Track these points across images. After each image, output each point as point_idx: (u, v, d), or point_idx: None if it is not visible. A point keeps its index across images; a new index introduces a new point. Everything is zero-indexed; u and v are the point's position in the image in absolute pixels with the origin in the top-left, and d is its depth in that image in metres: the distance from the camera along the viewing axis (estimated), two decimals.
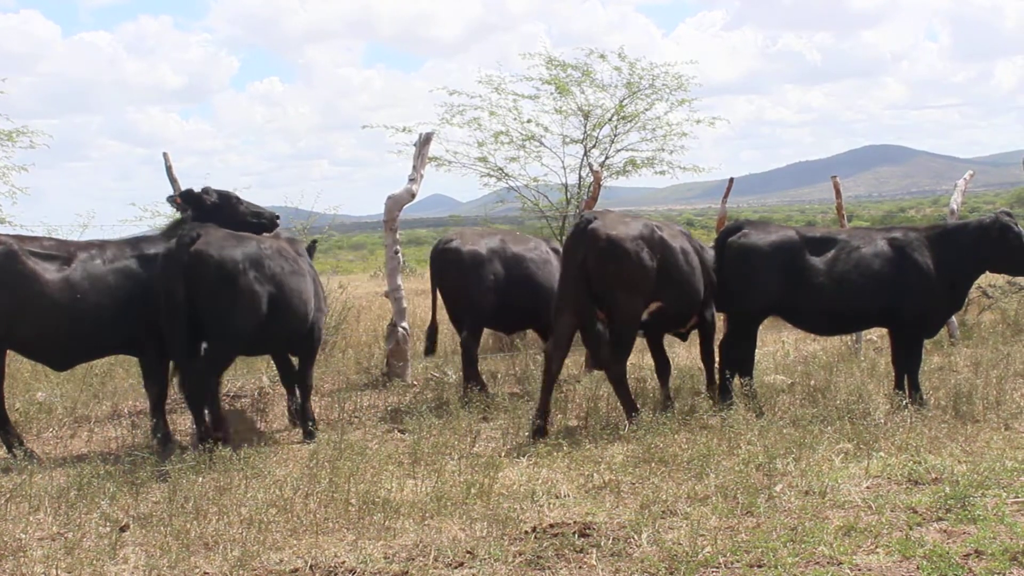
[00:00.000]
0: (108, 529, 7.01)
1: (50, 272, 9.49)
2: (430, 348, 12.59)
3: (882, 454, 8.48)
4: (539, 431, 9.86)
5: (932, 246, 10.94)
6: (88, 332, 9.71)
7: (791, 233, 10.86)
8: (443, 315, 12.37)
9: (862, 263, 10.76)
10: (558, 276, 11.21)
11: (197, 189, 10.75)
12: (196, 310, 9.45)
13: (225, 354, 9.87)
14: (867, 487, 7.66)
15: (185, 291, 9.37)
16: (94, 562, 6.44)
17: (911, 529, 6.68)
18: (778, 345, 14.67)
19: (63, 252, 9.72)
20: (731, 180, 16.94)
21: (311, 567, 6.32)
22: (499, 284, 12.07)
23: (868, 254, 10.80)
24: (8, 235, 9.73)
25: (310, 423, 10.45)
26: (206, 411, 9.70)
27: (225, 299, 9.50)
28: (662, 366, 11.26)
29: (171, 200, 11.11)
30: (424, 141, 13.62)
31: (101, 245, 10.11)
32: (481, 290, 11.97)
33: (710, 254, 11.15)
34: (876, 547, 6.38)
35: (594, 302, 10.16)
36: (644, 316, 10.45)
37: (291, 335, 10.33)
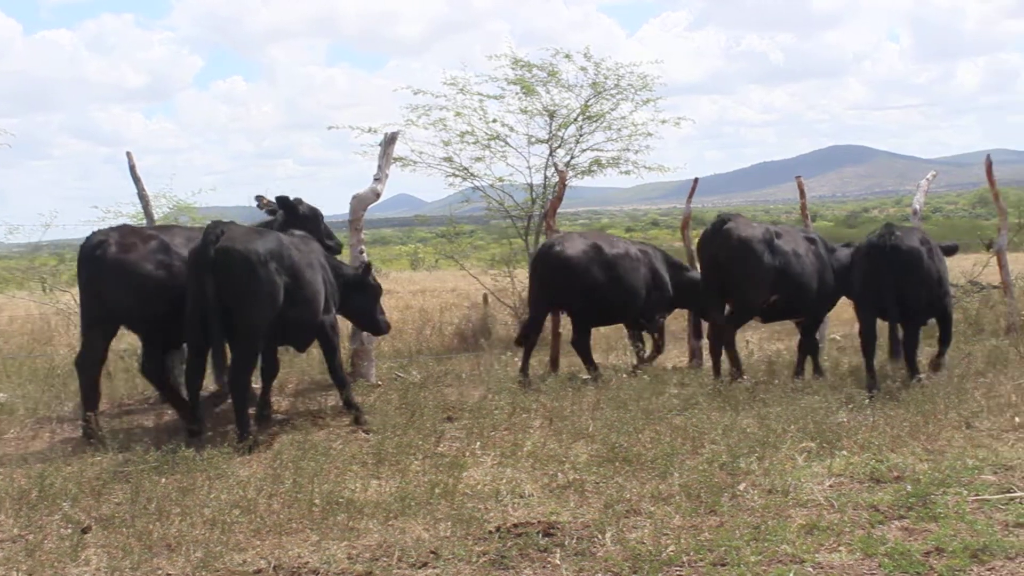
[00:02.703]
0: (70, 531, 6.98)
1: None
2: (522, 340, 13.45)
3: (845, 453, 8.53)
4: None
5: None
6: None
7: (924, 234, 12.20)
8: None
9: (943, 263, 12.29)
10: (644, 276, 13.38)
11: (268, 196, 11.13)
12: (224, 304, 9.62)
13: (256, 346, 10.08)
14: (830, 485, 7.70)
15: (214, 287, 9.54)
16: (55, 564, 6.40)
17: (873, 527, 6.72)
18: (742, 345, 14.72)
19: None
20: (696, 180, 16.98)
21: (274, 568, 6.30)
22: (597, 283, 13.02)
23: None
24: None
25: (355, 411, 10.79)
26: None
27: (252, 292, 9.73)
28: (810, 347, 12.90)
29: (258, 200, 11.90)
30: (389, 141, 13.59)
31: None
32: (589, 288, 13.00)
33: (842, 254, 12.81)
34: (838, 545, 6.41)
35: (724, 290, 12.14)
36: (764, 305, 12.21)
37: (307, 325, 10.62)
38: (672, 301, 13.93)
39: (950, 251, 12.73)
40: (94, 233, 10.46)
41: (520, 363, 13.24)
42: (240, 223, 10.62)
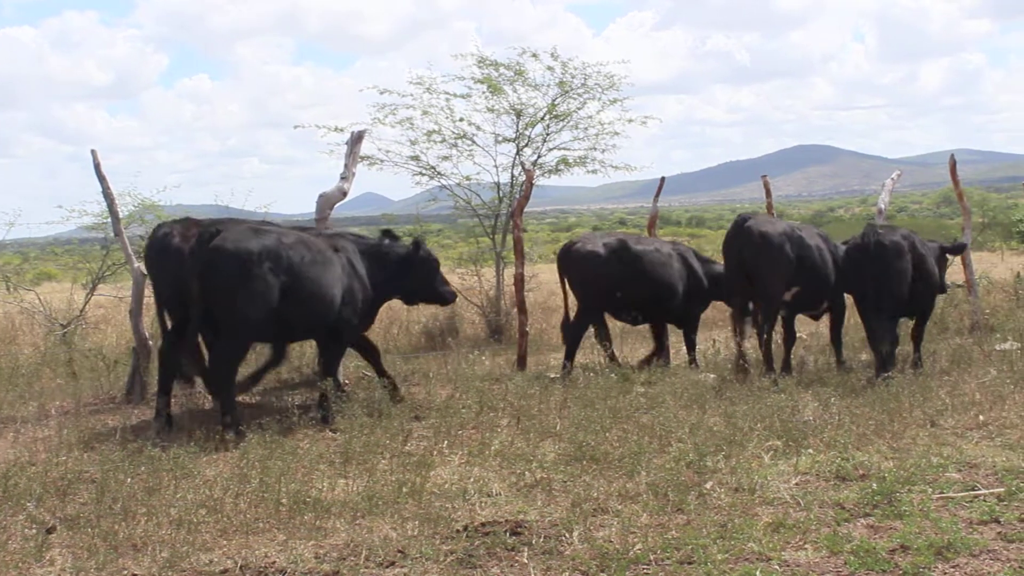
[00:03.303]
0: (34, 531, 6.93)
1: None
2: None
3: (811, 451, 8.58)
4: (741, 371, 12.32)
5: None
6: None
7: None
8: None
9: None
10: (677, 274, 13.90)
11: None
12: (212, 301, 10.06)
13: (243, 342, 10.47)
14: (796, 484, 7.74)
15: (200, 285, 9.96)
16: (20, 565, 6.37)
17: (839, 525, 6.76)
18: (708, 343, 14.75)
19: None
20: (662, 179, 17.03)
21: (241, 568, 6.28)
22: (615, 279, 13.55)
23: None
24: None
25: (325, 411, 10.81)
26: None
27: (239, 290, 10.01)
28: (789, 338, 13.34)
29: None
30: (356, 139, 13.56)
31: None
32: (597, 283, 13.67)
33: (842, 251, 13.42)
34: (804, 543, 6.45)
35: (748, 284, 12.75)
36: (787, 298, 12.80)
37: (317, 320, 10.79)
38: (709, 295, 14.49)
39: (955, 251, 13.85)
40: (160, 224, 11.76)
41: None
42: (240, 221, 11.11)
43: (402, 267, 11.85)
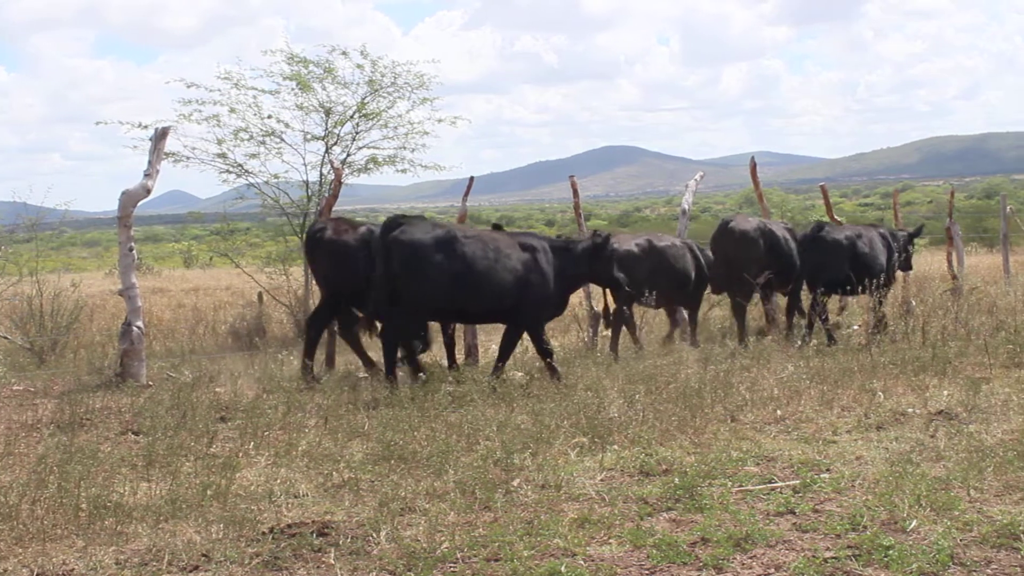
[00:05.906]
0: None
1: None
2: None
3: (615, 447, 8.72)
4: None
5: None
6: None
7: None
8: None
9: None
10: (692, 267, 15.41)
11: None
12: (394, 283, 11.76)
13: (415, 318, 12.16)
14: (601, 479, 7.85)
15: (384, 268, 11.70)
16: None
17: (642, 519, 6.88)
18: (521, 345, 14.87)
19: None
20: (471, 179, 17.08)
21: None
22: (647, 272, 14.66)
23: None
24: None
25: (555, 373, 12.21)
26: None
27: (412, 274, 11.70)
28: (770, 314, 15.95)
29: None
30: (160, 136, 13.34)
31: None
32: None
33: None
34: (609, 538, 6.55)
35: (731, 274, 15.04)
36: (761, 280, 15.05)
37: (488, 307, 12.34)
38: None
39: (904, 239, 16.62)
40: (317, 220, 14.20)
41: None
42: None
43: (591, 258, 12.90)
